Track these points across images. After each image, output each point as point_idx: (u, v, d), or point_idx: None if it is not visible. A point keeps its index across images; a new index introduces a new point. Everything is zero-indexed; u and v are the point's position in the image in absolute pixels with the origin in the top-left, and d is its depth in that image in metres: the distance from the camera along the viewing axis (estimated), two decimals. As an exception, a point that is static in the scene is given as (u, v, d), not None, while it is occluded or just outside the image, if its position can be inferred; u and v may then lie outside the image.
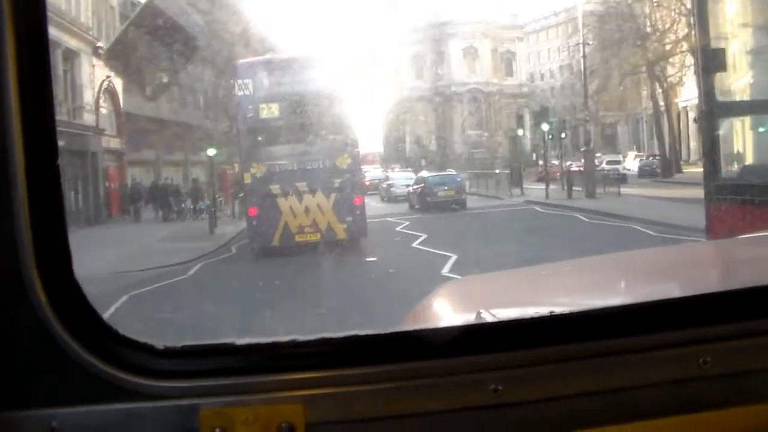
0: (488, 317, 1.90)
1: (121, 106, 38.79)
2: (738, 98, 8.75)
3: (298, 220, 19.37)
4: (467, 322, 1.97)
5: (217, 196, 34.44)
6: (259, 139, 19.69)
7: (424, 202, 29.47)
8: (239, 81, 19.98)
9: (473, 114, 73.60)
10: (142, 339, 1.50)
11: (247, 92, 19.66)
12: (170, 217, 34.80)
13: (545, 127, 36.87)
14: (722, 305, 1.57)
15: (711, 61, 8.11)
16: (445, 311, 2.65)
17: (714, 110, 8.30)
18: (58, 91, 30.24)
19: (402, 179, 37.92)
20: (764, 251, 2.87)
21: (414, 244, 18.91)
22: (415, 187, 31.74)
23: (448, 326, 2.07)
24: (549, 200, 30.37)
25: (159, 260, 18.53)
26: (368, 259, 18.30)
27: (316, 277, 15.61)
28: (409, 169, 48.90)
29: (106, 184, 37.65)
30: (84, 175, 33.85)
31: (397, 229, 23.27)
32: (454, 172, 35.92)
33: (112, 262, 17.19)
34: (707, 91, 8.29)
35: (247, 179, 20.03)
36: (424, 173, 35.65)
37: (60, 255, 1.49)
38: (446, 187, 30.13)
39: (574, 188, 31.26)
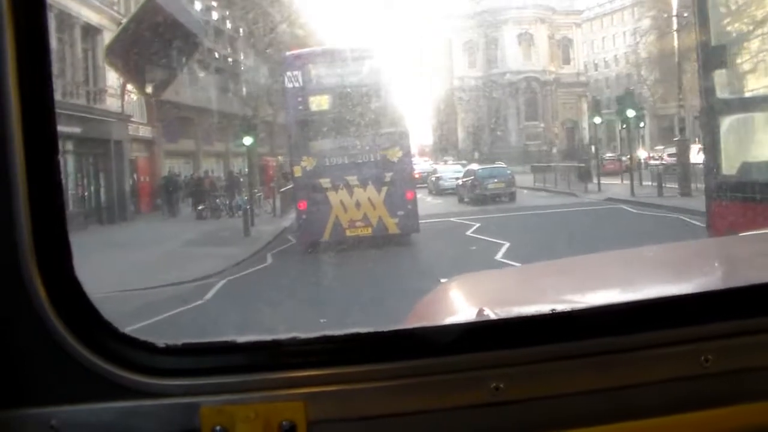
0: (489, 315, 1.90)
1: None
2: (739, 95, 8.73)
3: (349, 214, 19.08)
4: (468, 320, 1.96)
5: (255, 190, 31.33)
6: (309, 131, 19.45)
7: (473, 194, 29.56)
8: (289, 73, 19.74)
9: (529, 104, 68.71)
10: (142, 337, 1.50)
11: (296, 84, 19.42)
12: (203, 215, 30.93)
13: (631, 113, 31.10)
14: (724, 303, 1.56)
15: (711, 58, 8.11)
16: (447, 309, 2.64)
17: (714, 107, 8.30)
18: (77, 72, 28.18)
19: (450, 172, 37.60)
20: (766, 248, 2.87)
21: (498, 257, 15.22)
22: (464, 179, 31.74)
23: (449, 324, 2.07)
24: (636, 198, 26.27)
25: (176, 272, 15.96)
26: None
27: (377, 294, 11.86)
28: (464, 161, 46.63)
29: (134, 176, 34.03)
30: (106, 166, 30.40)
31: (468, 233, 20.12)
32: (504, 165, 35.60)
33: (117, 273, 14.38)
34: (707, 88, 8.29)
35: (297, 173, 19.65)
36: (474, 166, 35.59)
37: (60, 251, 1.49)
38: (496, 180, 30.19)
39: (649, 184, 28.62)
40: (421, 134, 59.36)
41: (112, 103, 30.23)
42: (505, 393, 1.42)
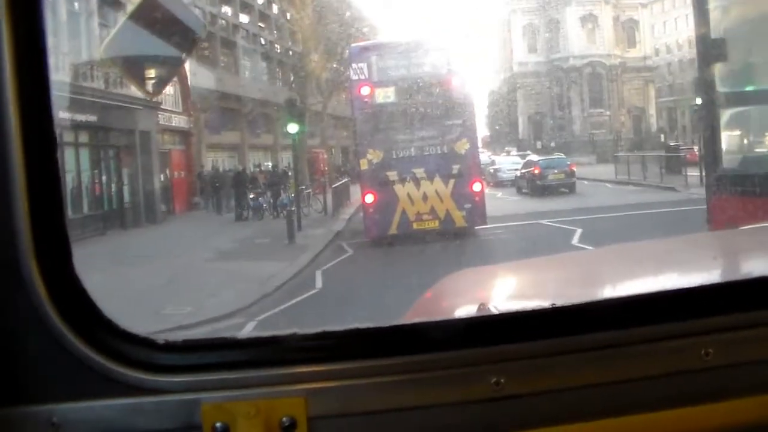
0: (490, 310, 1.91)
1: (188, 76, 31.19)
2: (738, 88, 8.72)
3: (416, 207, 18.81)
4: (469, 315, 1.96)
5: (303, 186, 27.51)
6: (375, 124, 19.21)
7: (533, 185, 29.44)
8: (354, 65, 19.56)
9: (593, 90, 65.02)
10: (142, 333, 1.50)
11: (362, 76, 19.19)
12: (244, 215, 27.27)
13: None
14: (724, 296, 1.56)
15: (710, 51, 8.09)
16: (447, 304, 2.65)
17: (714, 100, 8.28)
18: (93, 51, 24.07)
19: (508, 164, 37.18)
20: (765, 242, 2.87)
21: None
22: (523, 170, 31.59)
23: (449, 319, 2.07)
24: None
25: (186, 303, 11.86)
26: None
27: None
28: (528, 152, 44.53)
29: (167, 171, 30.29)
30: (130, 161, 26.56)
31: (575, 242, 15.68)
32: (563, 155, 35.41)
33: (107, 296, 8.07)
34: (706, 81, 8.28)
35: (364, 165, 19.45)
36: (534, 156, 35.43)
37: (59, 248, 1.49)
38: (556, 170, 30.10)
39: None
40: (479, 124, 56.70)
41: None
42: (506, 388, 1.42)
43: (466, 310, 2.22)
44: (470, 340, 1.49)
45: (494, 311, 1.90)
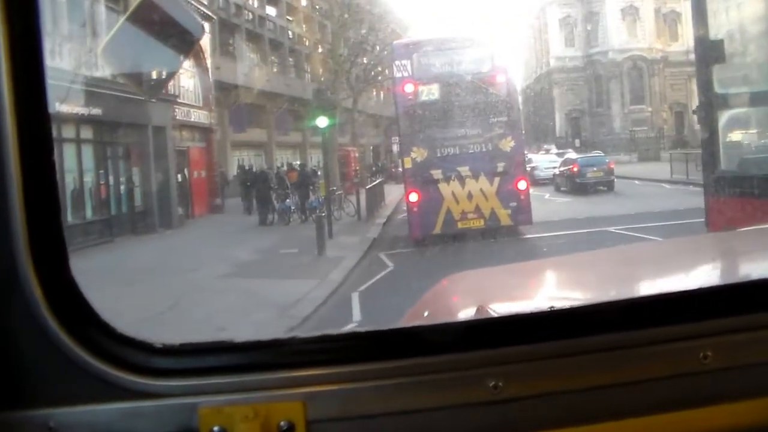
0: (488, 312, 1.90)
1: (209, 69, 29.41)
2: (736, 90, 8.73)
3: (461, 206, 18.45)
4: (467, 318, 1.96)
5: (334, 188, 25.25)
6: (419, 121, 18.88)
7: (572, 183, 29.41)
8: (397, 62, 19.29)
9: (634, 86, 62.12)
10: (139, 337, 1.50)
11: (405, 73, 18.88)
12: (268, 220, 24.65)
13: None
14: (723, 299, 1.56)
15: (709, 52, 8.10)
16: (445, 307, 2.65)
17: (712, 101, 8.30)
18: (99, 35, 21.12)
19: (546, 162, 36.89)
20: (764, 244, 2.87)
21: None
22: (562, 169, 31.59)
23: (447, 322, 2.07)
24: None
25: (187, 333, 7.44)
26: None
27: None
28: (569, 150, 43.89)
29: (185, 171, 27.58)
30: (142, 159, 23.96)
31: None
32: (602, 153, 35.12)
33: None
34: (705, 82, 8.29)
35: (408, 164, 19.06)
36: (573, 155, 35.29)
37: (56, 251, 1.48)
38: (595, 168, 29.94)
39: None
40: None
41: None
42: (505, 391, 1.42)
43: (464, 313, 2.22)
44: (469, 342, 1.48)
45: (493, 314, 1.90)
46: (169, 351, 1.49)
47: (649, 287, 2.29)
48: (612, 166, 30.89)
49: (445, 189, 18.53)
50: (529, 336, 1.47)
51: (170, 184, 24.57)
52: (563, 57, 63.82)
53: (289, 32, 43.32)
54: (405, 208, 20.29)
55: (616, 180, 30.03)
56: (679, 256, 2.86)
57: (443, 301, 2.73)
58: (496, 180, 18.58)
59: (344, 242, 18.81)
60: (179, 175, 26.57)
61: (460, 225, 18.42)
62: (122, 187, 23.47)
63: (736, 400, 1.44)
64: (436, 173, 18.59)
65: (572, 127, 62.24)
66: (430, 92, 18.91)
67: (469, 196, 18.51)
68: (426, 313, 2.63)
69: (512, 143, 18.82)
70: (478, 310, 1.95)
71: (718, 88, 8.22)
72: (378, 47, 36.89)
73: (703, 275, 2.44)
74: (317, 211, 20.66)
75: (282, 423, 1.39)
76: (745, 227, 4.14)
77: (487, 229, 18.30)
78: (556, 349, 1.45)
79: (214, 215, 27.59)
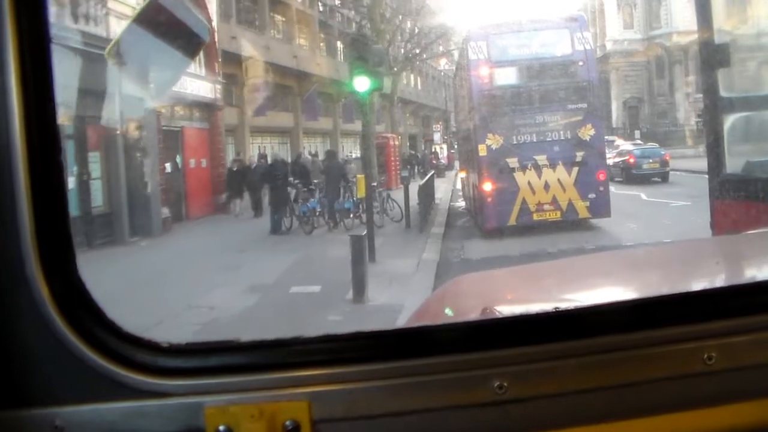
0: (493, 313, 1.90)
1: (215, 27, 23.11)
2: (742, 94, 8.72)
3: (537, 196, 17.54)
4: (472, 319, 1.96)
5: (374, 183, 18.48)
6: (495, 107, 17.98)
7: (628, 174, 29.59)
8: (473, 43, 18.19)
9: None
10: (146, 336, 1.50)
11: (481, 56, 18.01)
12: (282, 227, 18.70)
13: None
14: (727, 300, 1.56)
15: (714, 56, 8.10)
16: (450, 308, 2.65)
17: (717, 105, 8.29)
18: None
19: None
20: None
21: None
22: (617, 159, 31.41)
23: (452, 323, 2.07)
24: None
25: None
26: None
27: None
28: (638, 141, 41.48)
29: (177, 158, 21.45)
30: (106, 141, 17.64)
31: None
32: (657, 145, 35.04)
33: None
34: (710, 86, 8.29)
35: (482, 151, 17.97)
36: (628, 146, 35.05)
37: (63, 251, 1.49)
38: (650, 160, 30.24)
39: None
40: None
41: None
42: (509, 391, 1.42)
43: (469, 314, 2.22)
44: (473, 343, 1.49)
45: (497, 315, 1.90)
46: (175, 351, 1.49)
47: (653, 288, 2.29)
48: (668, 158, 31.01)
49: (521, 178, 17.65)
50: (534, 337, 1.47)
51: (150, 175, 18.53)
52: (621, 40, 58.92)
53: (319, 4, 38.28)
54: (466, 202, 19.08)
55: (679, 173, 30.13)
56: (684, 257, 2.87)
57: (448, 302, 2.74)
58: (575, 170, 17.63)
59: (393, 270, 12.51)
60: (168, 164, 20.56)
61: (535, 217, 17.55)
62: (71, 180, 15.99)
63: (741, 401, 1.44)
64: (512, 162, 17.69)
65: (630, 117, 57.68)
66: (507, 76, 18.14)
67: (546, 187, 17.60)
68: (432, 314, 2.63)
69: (592, 131, 17.84)
70: (483, 311, 1.96)
71: (723, 92, 8.23)
72: (417, 27, 34.27)
73: (708, 277, 2.44)
74: (351, 216, 17.51)
75: (287, 422, 1.40)
76: (750, 230, 4.13)
77: (564, 221, 17.44)
78: (561, 350, 1.45)
79: (217, 216, 21.85)
